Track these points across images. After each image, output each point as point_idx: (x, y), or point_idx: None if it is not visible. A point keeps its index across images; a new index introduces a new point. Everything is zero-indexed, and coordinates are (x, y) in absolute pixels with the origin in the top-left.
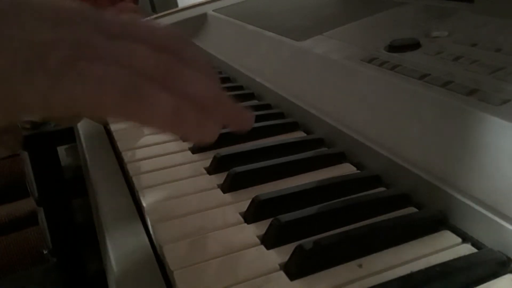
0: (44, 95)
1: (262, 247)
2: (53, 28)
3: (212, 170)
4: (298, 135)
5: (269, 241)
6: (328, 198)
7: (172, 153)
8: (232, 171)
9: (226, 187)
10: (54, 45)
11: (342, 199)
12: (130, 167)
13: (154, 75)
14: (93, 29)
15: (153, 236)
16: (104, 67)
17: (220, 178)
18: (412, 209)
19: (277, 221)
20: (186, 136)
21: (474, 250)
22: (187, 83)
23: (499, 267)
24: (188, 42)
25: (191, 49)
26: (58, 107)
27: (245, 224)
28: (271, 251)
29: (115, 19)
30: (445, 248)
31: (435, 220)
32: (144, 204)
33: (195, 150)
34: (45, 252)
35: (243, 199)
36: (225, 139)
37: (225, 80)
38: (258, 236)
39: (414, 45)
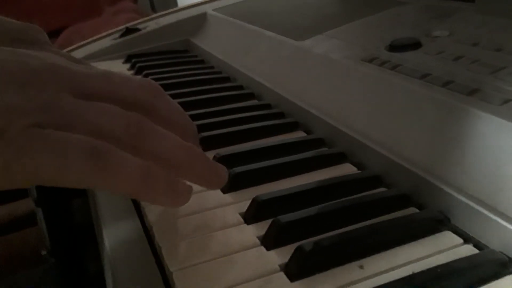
0: (4, 166)
1: (262, 248)
2: (20, 90)
3: None
4: (298, 135)
5: (269, 241)
6: (329, 198)
7: None
8: (232, 171)
9: (226, 187)
10: (20, 111)
11: (343, 199)
12: None
13: (123, 136)
14: (62, 89)
15: (152, 237)
16: (67, 135)
17: None
18: (413, 210)
19: (277, 221)
20: (156, 201)
21: (476, 251)
22: (158, 142)
23: (501, 268)
24: (161, 93)
25: (165, 100)
26: (16, 177)
27: (245, 225)
28: (271, 252)
29: (86, 75)
30: (446, 249)
31: (436, 220)
32: (143, 205)
33: None
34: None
35: (243, 199)
36: (225, 139)
37: (225, 79)
38: (258, 237)
39: (414, 45)
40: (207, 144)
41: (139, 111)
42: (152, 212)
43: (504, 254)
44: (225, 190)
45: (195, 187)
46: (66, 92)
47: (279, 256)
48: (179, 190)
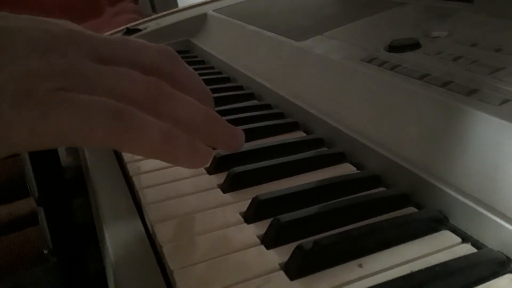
0: (31, 127)
1: (262, 247)
2: (42, 56)
3: (212, 170)
4: (298, 135)
5: (269, 241)
6: (328, 198)
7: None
8: (232, 171)
9: (226, 187)
10: (43, 75)
11: (342, 199)
12: (130, 167)
13: (143, 100)
14: (82, 54)
15: (153, 236)
16: (91, 98)
17: (220, 178)
18: (412, 209)
19: (277, 221)
20: (178, 162)
21: (474, 250)
22: (177, 106)
23: (499, 267)
24: (178, 60)
25: (182, 66)
26: (46, 139)
27: (245, 224)
28: (271, 251)
29: (105, 41)
30: (445, 248)
31: (435, 220)
32: (144, 204)
33: None
34: (45, 252)
35: (243, 199)
36: None
37: (225, 80)
38: (258, 236)
39: (414, 45)
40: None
41: (157, 76)
42: (153, 211)
43: (502, 253)
44: (225, 190)
45: (196, 187)
46: (86, 58)
47: (279, 255)
48: (199, 152)
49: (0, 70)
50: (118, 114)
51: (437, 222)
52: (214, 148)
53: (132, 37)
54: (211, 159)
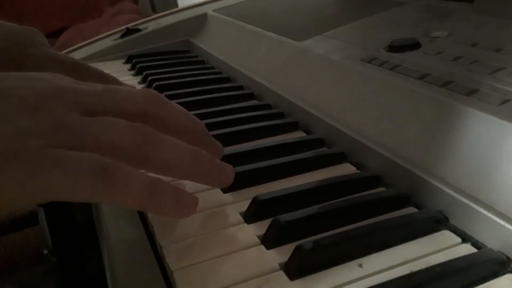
0: (20, 184)
1: (262, 247)
2: (31, 114)
3: None
4: (298, 135)
5: (269, 241)
6: (328, 198)
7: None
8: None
9: (226, 187)
10: (31, 134)
11: (342, 199)
12: None
13: (131, 148)
14: (70, 109)
15: (153, 236)
16: (78, 155)
17: None
18: (412, 209)
19: (277, 221)
20: (164, 214)
21: (474, 250)
22: (165, 151)
23: (499, 267)
24: (163, 101)
25: (168, 107)
26: (34, 196)
27: (245, 224)
28: (271, 251)
29: (92, 93)
30: (445, 248)
31: (435, 220)
32: None
33: None
34: (45, 252)
35: (243, 199)
36: (225, 139)
37: (225, 80)
38: (258, 236)
39: (414, 45)
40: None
41: (144, 122)
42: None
43: (503, 253)
44: (225, 190)
45: (196, 188)
46: (74, 112)
47: (279, 255)
48: (185, 203)
49: None
50: (104, 171)
51: (437, 222)
52: None
53: (118, 85)
54: (196, 208)
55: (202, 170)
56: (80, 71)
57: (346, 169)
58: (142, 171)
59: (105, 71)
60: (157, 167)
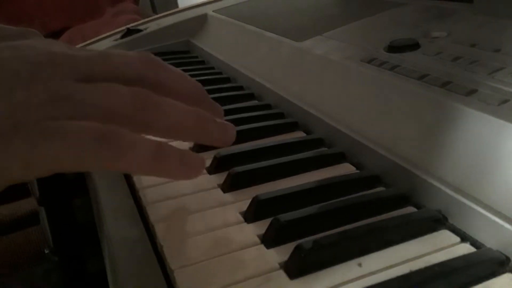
0: (23, 159)
1: (262, 246)
2: (26, 87)
3: (212, 170)
4: (298, 135)
5: (269, 240)
6: (328, 197)
7: (170, 141)
8: (232, 171)
9: (226, 187)
10: (28, 107)
11: (342, 198)
12: None
13: (131, 112)
14: (65, 76)
15: (153, 236)
16: (78, 124)
17: (220, 178)
18: (411, 209)
19: (277, 220)
20: (171, 177)
21: (473, 249)
22: (166, 113)
23: (498, 267)
24: (160, 64)
25: (166, 69)
26: (39, 169)
27: (245, 224)
28: (271, 250)
29: (86, 58)
30: (444, 247)
31: (434, 219)
32: (144, 204)
33: (195, 150)
34: (46, 251)
35: (243, 199)
36: None
37: (225, 80)
38: (258, 236)
39: (413, 46)
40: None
41: (142, 85)
42: (154, 211)
43: (502, 253)
44: (225, 190)
45: (196, 187)
46: (69, 79)
47: (279, 255)
48: (191, 164)
49: None
50: (105, 138)
51: (436, 222)
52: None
53: (116, 49)
54: (204, 168)
55: (205, 131)
56: None
57: (345, 169)
58: (146, 136)
59: None
60: (160, 131)
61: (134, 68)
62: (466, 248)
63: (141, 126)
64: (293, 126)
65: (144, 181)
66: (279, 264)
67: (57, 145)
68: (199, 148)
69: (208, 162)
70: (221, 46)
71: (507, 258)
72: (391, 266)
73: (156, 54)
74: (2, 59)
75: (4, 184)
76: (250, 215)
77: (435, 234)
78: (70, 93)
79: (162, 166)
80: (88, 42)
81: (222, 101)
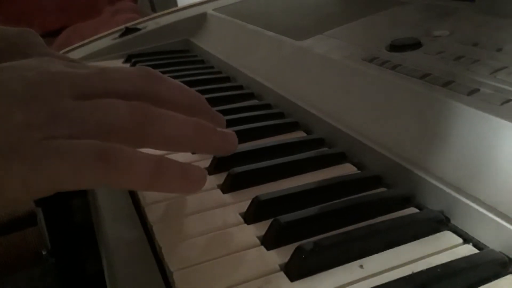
0: (23, 181)
1: (262, 247)
2: (25, 107)
3: (212, 170)
4: (298, 135)
5: (269, 241)
6: (329, 198)
7: (172, 153)
8: (232, 171)
9: (226, 187)
10: (28, 127)
11: (343, 199)
12: None
13: (131, 127)
14: (64, 94)
15: (152, 237)
16: (77, 143)
17: (220, 178)
18: (413, 210)
19: (277, 221)
20: (172, 191)
21: (476, 250)
22: (165, 125)
23: (501, 268)
24: (158, 77)
25: (164, 82)
26: (39, 190)
27: (245, 225)
28: (271, 252)
29: (84, 75)
30: (446, 248)
31: (436, 220)
32: (143, 205)
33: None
34: (44, 252)
35: (243, 200)
36: None
37: (225, 79)
38: (258, 237)
39: (415, 45)
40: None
41: (141, 99)
42: (153, 212)
43: (504, 254)
44: (225, 190)
45: None
46: (68, 97)
47: (279, 256)
48: (192, 178)
49: None
50: (105, 155)
51: (438, 223)
52: None
53: (115, 65)
54: (205, 181)
55: (206, 141)
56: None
57: (346, 169)
58: (145, 150)
59: None
60: (161, 143)
61: (133, 83)
62: (468, 250)
63: (142, 139)
64: (293, 126)
65: None
66: (280, 265)
67: (56, 165)
68: None
69: (208, 163)
70: (220, 45)
71: (510, 260)
72: (393, 268)
73: (155, 53)
74: (1, 81)
75: (4, 204)
76: (250, 216)
77: (437, 235)
78: (68, 111)
79: (163, 181)
80: (86, 41)
81: (221, 100)
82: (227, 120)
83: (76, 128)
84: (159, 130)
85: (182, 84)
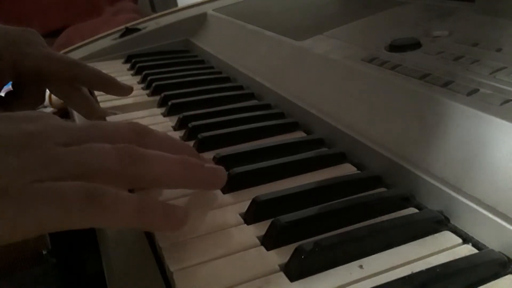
0: (12, 223)
1: (262, 248)
2: (18, 153)
3: None
4: (298, 135)
5: (269, 242)
6: (329, 198)
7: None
8: (232, 171)
9: (226, 188)
10: (19, 171)
11: (343, 199)
12: None
13: (119, 168)
14: (56, 143)
15: (152, 237)
16: (64, 185)
17: None
18: (412, 210)
19: (277, 221)
20: (155, 229)
21: (475, 250)
22: (153, 164)
23: (500, 268)
24: (149, 131)
25: (154, 135)
26: (28, 231)
27: (245, 225)
28: (271, 252)
29: (79, 128)
30: (445, 248)
31: (436, 221)
32: None
33: (196, 148)
34: (44, 252)
35: (243, 200)
36: (225, 139)
37: (225, 80)
38: (258, 237)
39: (414, 45)
40: (207, 144)
41: (129, 143)
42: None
43: (503, 254)
44: (225, 191)
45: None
46: (59, 145)
47: (279, 256)
48: (175, 217)
49: None
50: (91, 196)
51: (438, 223)
52: None
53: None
54: (187, 220)
55: (194, 177)
56: (76, 70)
57: (346, 169)
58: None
59: (104, 71)
60: (149, 182)
61: (124, 135)
62: (468, 250)
63: (130, 180)
64: (293, 126)
65: None
66: (279, 266)
67: (43, 207)
68: (199, 149)
69: None
70: (220, 45)
71: (509, 260)
72: (392, 268)
73: (155, 53)
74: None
75: None
76: (250, 216)
77: (436, 235)
78: (59, 156)
79: (147, 220)
80: (86, 41)
81: (221, 100)
82: (228, 121)
83: (65, 171)
84: (148, 170)
85: (172, 137)
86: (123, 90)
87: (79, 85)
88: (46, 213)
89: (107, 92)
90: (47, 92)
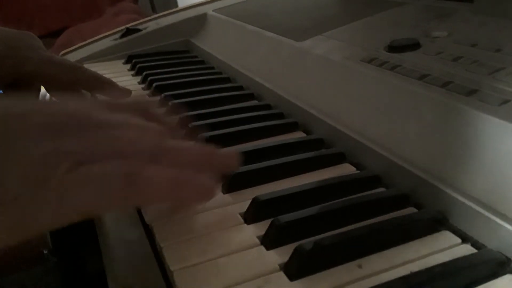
0: (53, 210)
1: (262, 247)
2: (53, 138)
3: None
4: (298, 135)
5: (269, 241)
6: (328, 198)
7: None
8: (232, 172)
9: (226, 188)
10: (56, 158)
11: (342, 199)
12: None
13: (152, 143)
14: (88, 127)
15: (153, 236)
16: (101, 167)
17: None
18: (411, 210)
19: (277, 221)
20: (189, 203)
21: (474, 250)
22: (178, 155)
23: (499, 267)
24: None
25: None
26: (69, 217)
27: (245, 225)
28: (271, 252)
29: (107, 117)
30: (444, 248)
31: (435, 220)
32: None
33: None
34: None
35: (243, 200)
36: (225, 140)
37: (225, 80)
38: (258, 237)
39: (413, 45)
40: (207, 144)
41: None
42: (153, 211)
43: (502, 254)
44: (225, 190)
45: None
46: (93, 129)
47: (279, 256)
48: (208, 186)
49: (16, 156)
50: (129, 177)
51: (437, 223)
52: None
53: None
54: (217, 189)
55: (215, 159)
56: (76, 74)
57: (346, 169)
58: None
59: (105, 72)
60: (174, 164)
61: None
62: (467, 249)
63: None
64: (293, 126)
65: None
66: (279, 265)
67: (85, 192)
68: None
69: None
70: (221, 46)
71: (508, 259)
72: (391, 268)
73: (155, 53)
74: (32, 112)
75: (31, 234)
76: (250, 216)
77: (435, 235)
78: (91, 141)
79: (182, 194)
80: (87, 41)
81: (221, 101)
82: (228, 121)
83: (98, 155)
84: (176, 159)
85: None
86: (122, 93)
87: (79, 88)
88: (88, 198)
89: (107, 95)
90: (48, 95)
